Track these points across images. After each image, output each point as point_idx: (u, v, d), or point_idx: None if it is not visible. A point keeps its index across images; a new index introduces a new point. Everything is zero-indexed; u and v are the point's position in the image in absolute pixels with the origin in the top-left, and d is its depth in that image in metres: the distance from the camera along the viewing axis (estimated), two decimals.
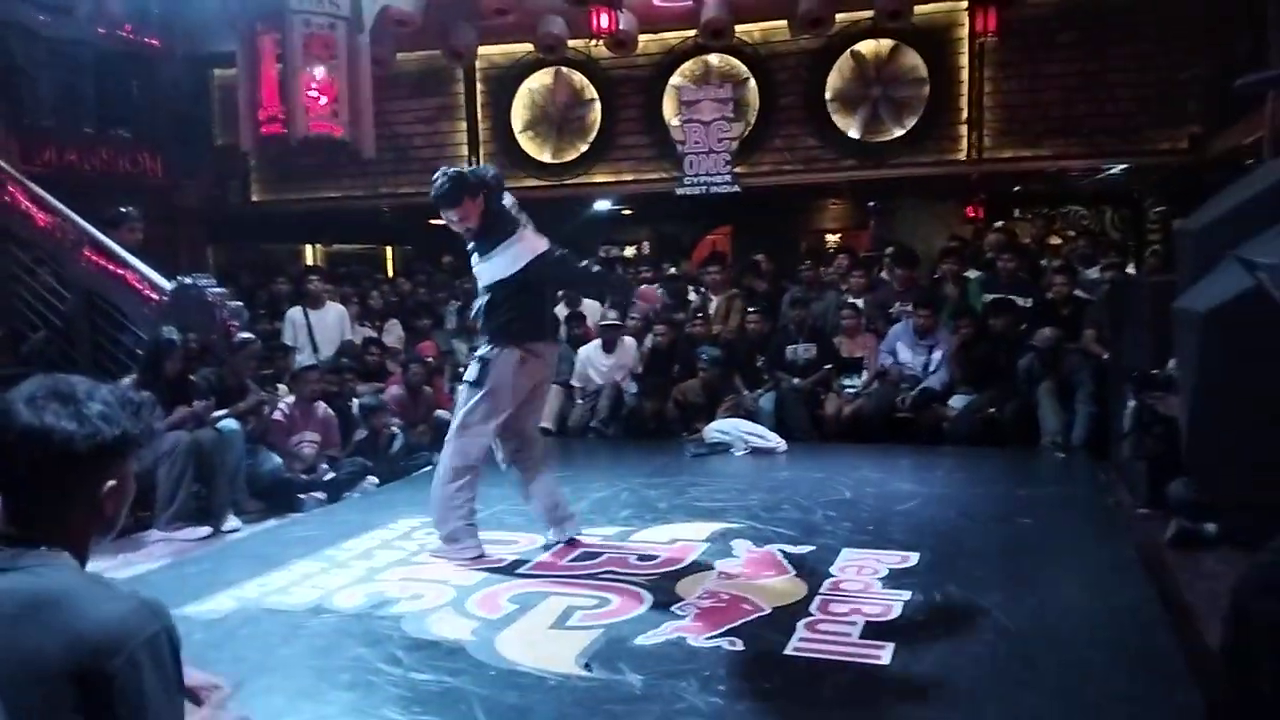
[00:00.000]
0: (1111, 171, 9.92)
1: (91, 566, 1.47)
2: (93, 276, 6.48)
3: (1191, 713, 2.66)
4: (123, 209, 6.86)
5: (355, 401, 6.94)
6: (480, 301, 4.52)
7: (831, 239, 13.75)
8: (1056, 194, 12.07)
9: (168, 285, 6.35)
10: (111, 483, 1.45)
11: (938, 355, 7.35)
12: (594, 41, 9.50)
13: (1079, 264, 8.25)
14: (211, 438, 5.56)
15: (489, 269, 4.41)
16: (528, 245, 4.42)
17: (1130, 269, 8.24)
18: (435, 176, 4.34)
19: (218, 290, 6.58)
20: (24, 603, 1.32)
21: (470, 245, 4.52)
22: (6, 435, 1.39)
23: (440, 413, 7.30)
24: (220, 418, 5.78)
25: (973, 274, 8.35)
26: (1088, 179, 10.60)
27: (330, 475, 6.20)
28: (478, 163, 10.26)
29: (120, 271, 6.40)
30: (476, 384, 4.43)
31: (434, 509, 4.59)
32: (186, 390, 5.73)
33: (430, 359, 7.76)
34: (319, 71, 8.77)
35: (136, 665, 1.30)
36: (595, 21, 8.95)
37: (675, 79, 9.83)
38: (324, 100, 8.87)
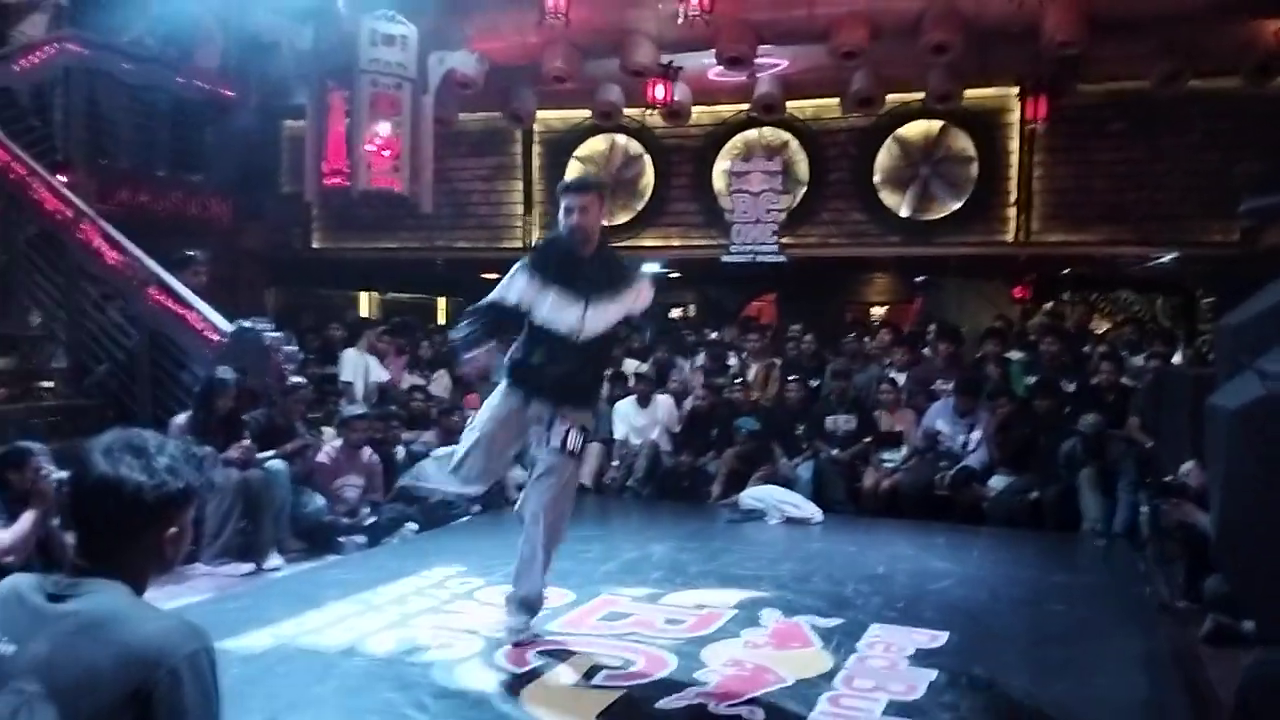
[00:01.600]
0: (1162, 260, 9.90)
1: None
2: (157, 315, 6.73)
3: None
4: (189, 252, 7.15)
5: (400, 448, 7.09)
6: (579, 357, 4.00)
7: (877, 311, 13.80)
8: (1107, 278, 12.04)
9: (227, 327, 6.58)
10: (174, 529, 1.60)
11: (976, 435, 7.34)
12: (649, 111, 9.75)
13: (1126, 350, 8.22)
14: (259, 477, 5.72)
15: (602, 315, 3.97)
16: (643, 293, 4.07)
17: (1178, 358, 8.19)
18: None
19: (275, 334, 6.80)
20: (81, 623, 1.46)
21: (548, 280, 3.93)
22: (84, 482, 1.55)
23: None
24: (268, 458, 5.94)
25: (1015, 355, 8.36)
26: (1138, 265, 10.58)
27: (371, 520, 6.32)
28: (532, 221, 10.52)
29: (183, 312, 6.65)
30: (577, 455, 4.10)
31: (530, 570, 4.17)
32: (238, 429, 5.91)
33: (475, 410, 7.89)
34: (383, 128, 9.09)
35: (177, 677, 1.43)
36: (651, 92, 9.21)
37: (726, 151, 10.05)
38: (386, 155, 9.20)
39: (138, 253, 6.95)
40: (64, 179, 7.63)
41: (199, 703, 1.45)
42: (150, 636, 1.45)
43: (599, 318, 3.98)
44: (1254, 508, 3.00)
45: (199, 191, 9.89)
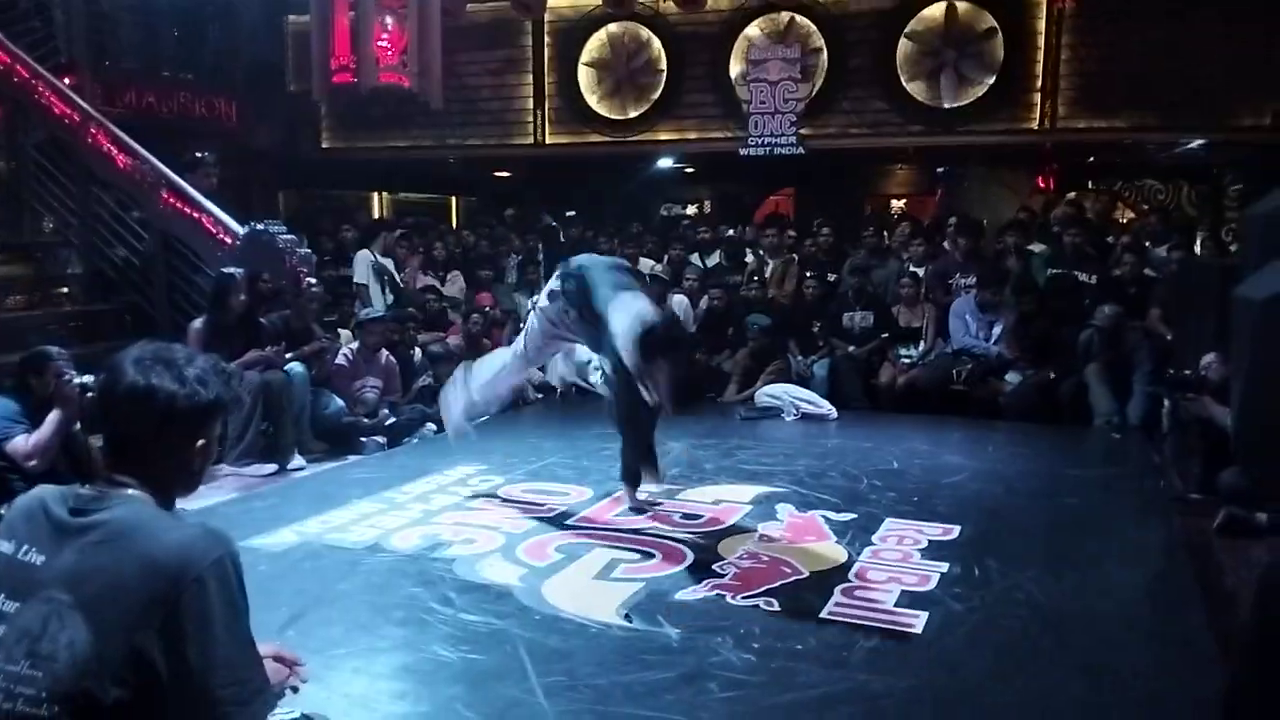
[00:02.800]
0: (1190, 146, 9.62)
1: None
2: (169, 219, 6.71)
3: (1218, 695, 2.68)
4: (199, 154, 7.06)
5: (417, 350, 7.13)
6: None
7: (897, 205, 13.56)
8: (1132, 166, 11.74)
9: (240, 230, 6.55)
10: (201, 441, 1.62)
11: (999, 330, 7.29)
12: None
13: (1149, 241, 8.07)
14: (279, 379, 5.77)
15: None
16: None
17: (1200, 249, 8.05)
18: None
19: (287, 236, 6.77)
20: (106, 534, 1.49)
21: None
22: (115, 391, 1.56)
23: None
24: (287, 361, 5.99)
25: (1037, 248, 8.23)
26: (1165, 152, 10.30)
27: (391, 420, 6.40)
28: (544, 117, 10.30)
29: (195, 215, 6.62)
30: None
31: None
32: (255, 332, 5.94)
33: (489, 309, 7.91)
34: (389, 21, 8.89)
35: (203, 584, 1.46)
36: None
37: (744, 36, 9.73)
38: (393, 51, 9.00)
39: (147, 156, 6.89)
40: (68, 82, 7.50)
41: (225, 608, 1.48)
42: (174, 546, 1.48)
43: None
44: (1277, 399, 2.97)
45: (205, 92, 9.72)
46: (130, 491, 1.55)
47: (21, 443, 4.00)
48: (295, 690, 1.87)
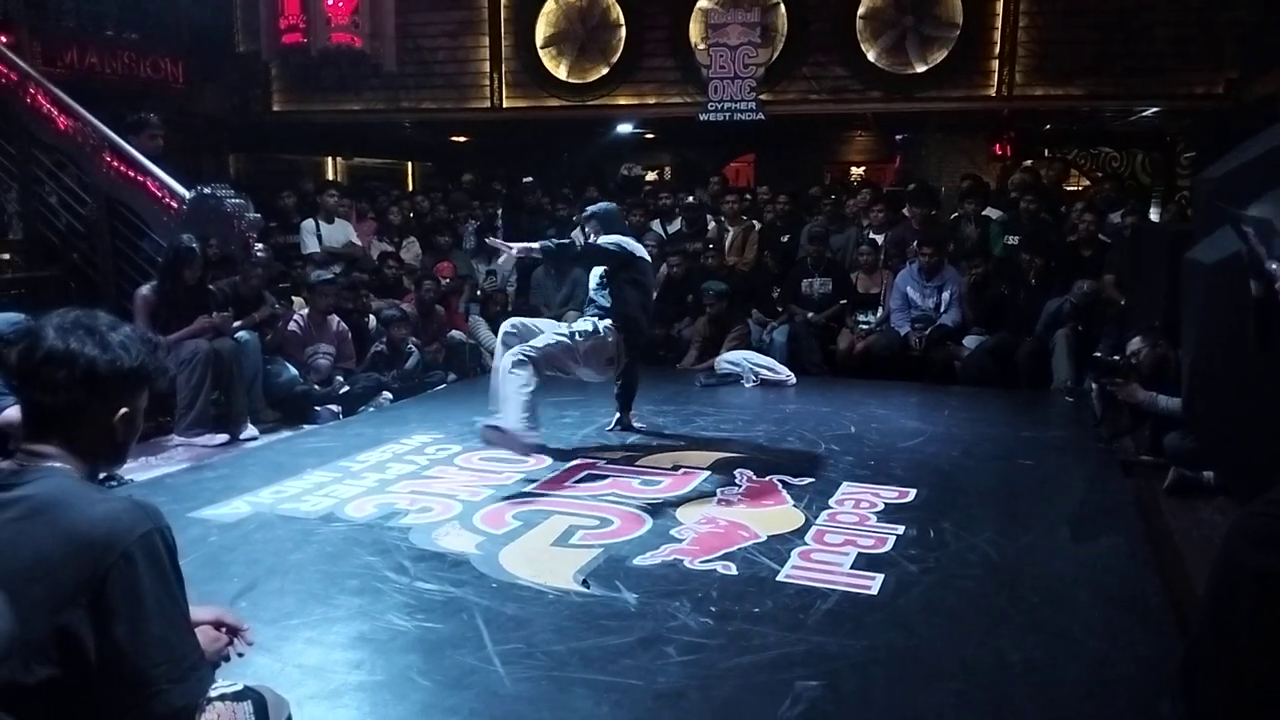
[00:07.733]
0: (1144, 113, 9.71)
1: None
2: (113, 182, 6.50)
3: (1167, 654, 2.72)
4: (144, 115, 6.84)
5: (372, 316, 7.02)
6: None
7: (857, 172, 13.57)
8: (1088, 134, 11.83)
9: (187, 194, 6.37)
10: (125, 410, 1.56)
11: (946, 295, 7.33)
12: None
13: (1104, 207, 8.14)
14: (229, 347, 5.65)
15: None
16: None
17: (1154, 215, 8.13)
18: None
19: (236, 200, 6.59)
20: (27, 509, 1.42)
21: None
22: (35, 355, 1.50)
23: (454, 333, 7.38)
24: (238, 328, 5.86)
25: (994, 214, 8.28)
26: (1120, 120, 10.38)
27: (345, 389, 6.30)
28: (500, 80, 10.12)
29: (140, 178, 6.42)
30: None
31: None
32: (204, 299, 5.79)
33: (447, 279, 7.79)
34: None
35: (131, 560, 1.40)
36: None
37: (703, 1, 9.61)
38: (344, 10, 8.79)
39: (89, 118, 6.66)
40: (5, 40, 7.22)
41: (156, 584, 1.42)
42: (99, 520, 1.41)
43: None
44: (1226, 361, 3.01)
45: (150, 53, 9.41)
46: (53, 464, 1.49)
47: (14, 413, 3.82)
48: (241, 655, 1.81)
